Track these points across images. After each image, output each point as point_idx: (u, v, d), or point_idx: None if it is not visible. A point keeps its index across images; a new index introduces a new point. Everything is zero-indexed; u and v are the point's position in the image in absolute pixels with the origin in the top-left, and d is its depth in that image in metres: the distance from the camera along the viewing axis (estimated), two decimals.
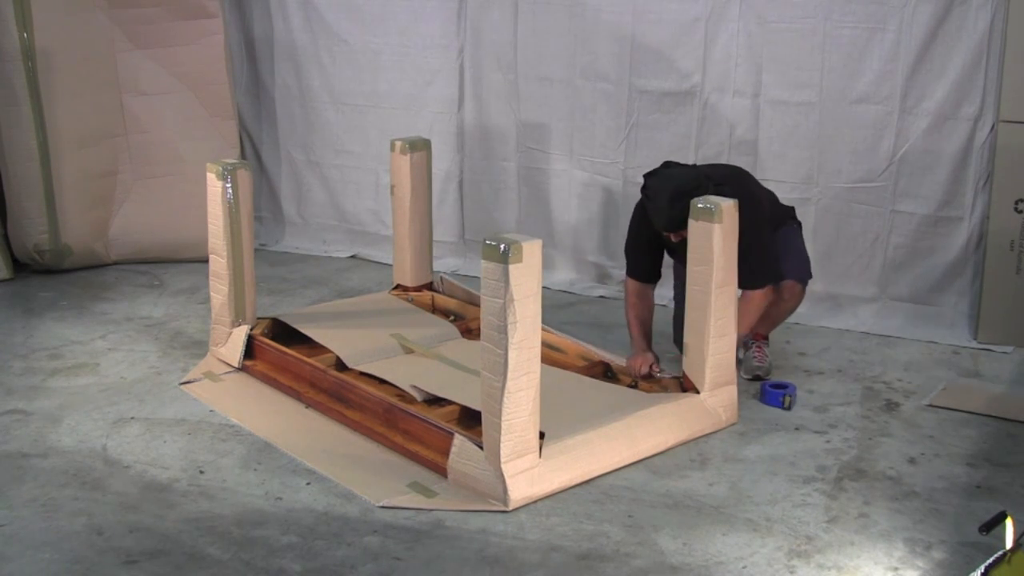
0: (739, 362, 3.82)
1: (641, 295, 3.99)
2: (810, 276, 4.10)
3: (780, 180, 4.66)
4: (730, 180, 3.89)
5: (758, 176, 4.68)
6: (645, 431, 3.41)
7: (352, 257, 5.62)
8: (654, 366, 3.78)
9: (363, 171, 5.58)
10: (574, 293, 4.99)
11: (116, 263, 5.40)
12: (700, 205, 3.44)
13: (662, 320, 4.63)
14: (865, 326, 4.56)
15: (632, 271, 4.02)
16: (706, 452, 3.44)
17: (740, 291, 3.70)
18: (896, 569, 2.78)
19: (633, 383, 3.76)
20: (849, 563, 2.81)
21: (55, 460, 3.35)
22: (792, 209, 4.23)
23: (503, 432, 3.02)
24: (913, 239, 4.52)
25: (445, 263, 5.30)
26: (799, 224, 4.21)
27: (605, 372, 3.89)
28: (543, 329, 3.16)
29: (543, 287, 3.05)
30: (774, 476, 3.28)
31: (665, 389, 3.68)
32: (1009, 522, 2.40)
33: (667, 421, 3.47)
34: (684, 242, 3.64)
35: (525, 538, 2.93)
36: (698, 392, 3.57)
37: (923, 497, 3.15)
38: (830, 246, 4.65)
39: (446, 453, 3.23)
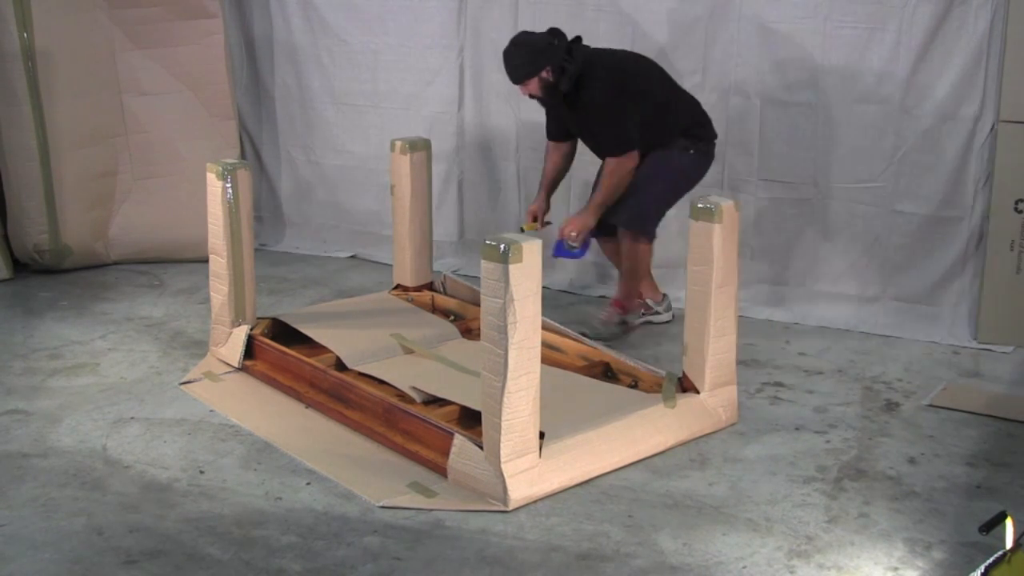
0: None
1: (553, 151, 4.46)
2: (650, 236, 4.26)
3: (780, 180, 4.67)
4: (603, 56, 4.22)
5: (757, 176, 4.70)
6: (645, 431, 3.41)
7: (352, 257, 5.62)
8: (540, 214, 4.38)
9: (363, 171, 5.59)
10: (574, 293, 4.99)
11: (116, 263, 5.40)
12: (700, 205, 3.44)
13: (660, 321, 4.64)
14: (865, 326, 4.56)
15: (546, 130, 4.48)
16: (706, 452, 3.44)
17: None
18: (896, 569, 2.78)
19: (633, 383, 3.76)
20: (849, 563, 2.81)
21: (55, 460, 3.35)
22: (699, 131, 4.31)
23: (503, 432, 3.02)
24: (913, 239, 4.52)
25: (445, 263, 5.30)
26: (698, 151, 4.29)
27: (605, 372, 3.89)
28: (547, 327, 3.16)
29: (543, 287, 3.06)
30: (774, 476, 3.28)
31: (659, 386, 3.66)
32: (1009, 522, 2.39)
33: (667, 421, 3.47)
34: (543, 98, 4.23)
35: (525, 538, 2.93)
36: (698, 392, 3.57)
37: (923, 497, 3.15)
38: (830, 246, 4.65)
39: (446, 453, 3.23)
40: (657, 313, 4.54)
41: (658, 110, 4.22)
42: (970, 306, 4.47)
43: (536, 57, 4.10)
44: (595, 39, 4.89)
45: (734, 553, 2.86)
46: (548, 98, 4.21)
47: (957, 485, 3.22)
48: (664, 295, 4.58)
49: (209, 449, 3.44)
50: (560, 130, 4.40)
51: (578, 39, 4.24)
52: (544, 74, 4.11)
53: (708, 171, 4.50)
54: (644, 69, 4.31)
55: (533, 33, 4.26)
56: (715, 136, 4.42)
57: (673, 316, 4.54)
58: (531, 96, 4.26)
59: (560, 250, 4.30)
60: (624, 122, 4.09)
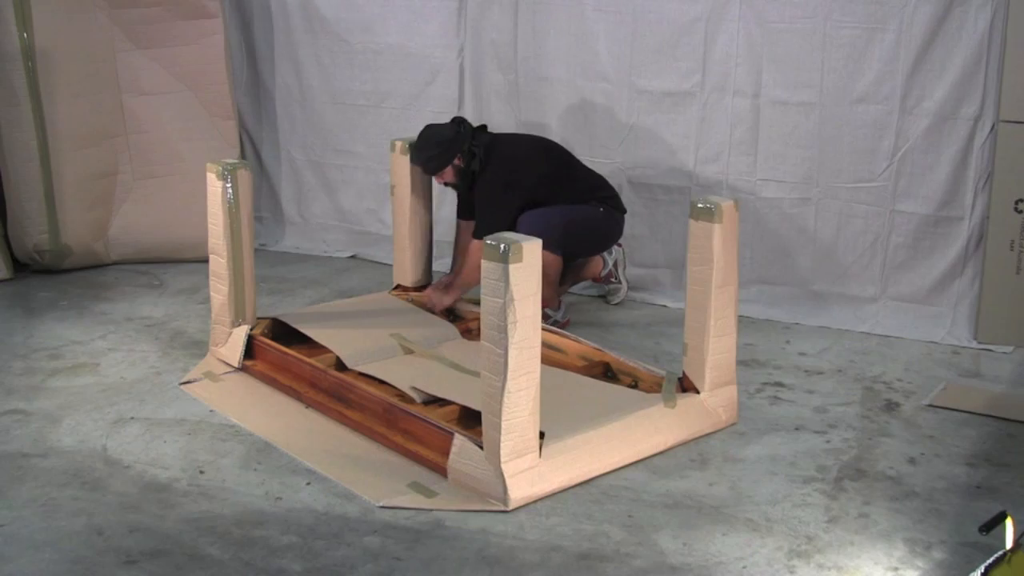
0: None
1: (463, 230, 4.63)
2: (552, 247, 4.20)
3: (780, 180, 4.67)
4: (502, 143, 4.45)
5: (758, 176, 4.70)
6: (645, 431, 3.41)
7: (352, 257, 5.62)
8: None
9: (363, 171, 5.59)
10: (574, 293, 4.99)
11: (116, 263, 5.40)
12: (700, 205, 3.44)
13: (662, 319, 4.64)
14: (865, 326, 4.56)
15: (457, 209, 4.71)
16: (706, 452, 3.44)
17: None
18: (896, 569, 2.78)
19: (633, 383, 3.76)
20: (849, 563, 2.81)
21: (55, 460, 3.35)
22: (608, 201, 4.52)
23: (503, 432, 3.02)
24: (913, 239, 4.52)
25: (445, 263, 5.29)
26: (608, 209, 4.50)
27: (605, 372, 3.89)
28: (544, 328, 3.16)
29: None
30: (774, 476, 3.28)
31: (659, 386, 3.67)
32: (1009, 522, 2.39)
33: (667, 421, 3.47)
34: (450, 184, 4.50)
35: (525, 538, 2.93)
36: (698, 392, 3.57)
37: (923, 497, 3.15)
38: (830, 246, 4.65)
39: (446, 453, 3.23)
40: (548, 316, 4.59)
41: (553, 190, 4.44)
42: (970, 306, 4.47)
43: (448, 147, 4.38)
44: (595, 39, 4.91)
45: (734, 553, 2.86)
46: (459, 182, 4.48)
47: (957, 485, 3.22)
48: (560, 303, 4.64)
49: (209, 449, 3.44)
50: (470, 208, 4.55)
51: (483, 127, 4.54)
52: (456, 162, 4.40)
53: (620, 236, 4.66)
54: (537, 157, 4.49)
55: (438, 125, 4.49)
56: (623, 210, 4.62)
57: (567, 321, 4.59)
58: (446, 184, 4.51)
59: None
60: (500, 212, 4.32)
